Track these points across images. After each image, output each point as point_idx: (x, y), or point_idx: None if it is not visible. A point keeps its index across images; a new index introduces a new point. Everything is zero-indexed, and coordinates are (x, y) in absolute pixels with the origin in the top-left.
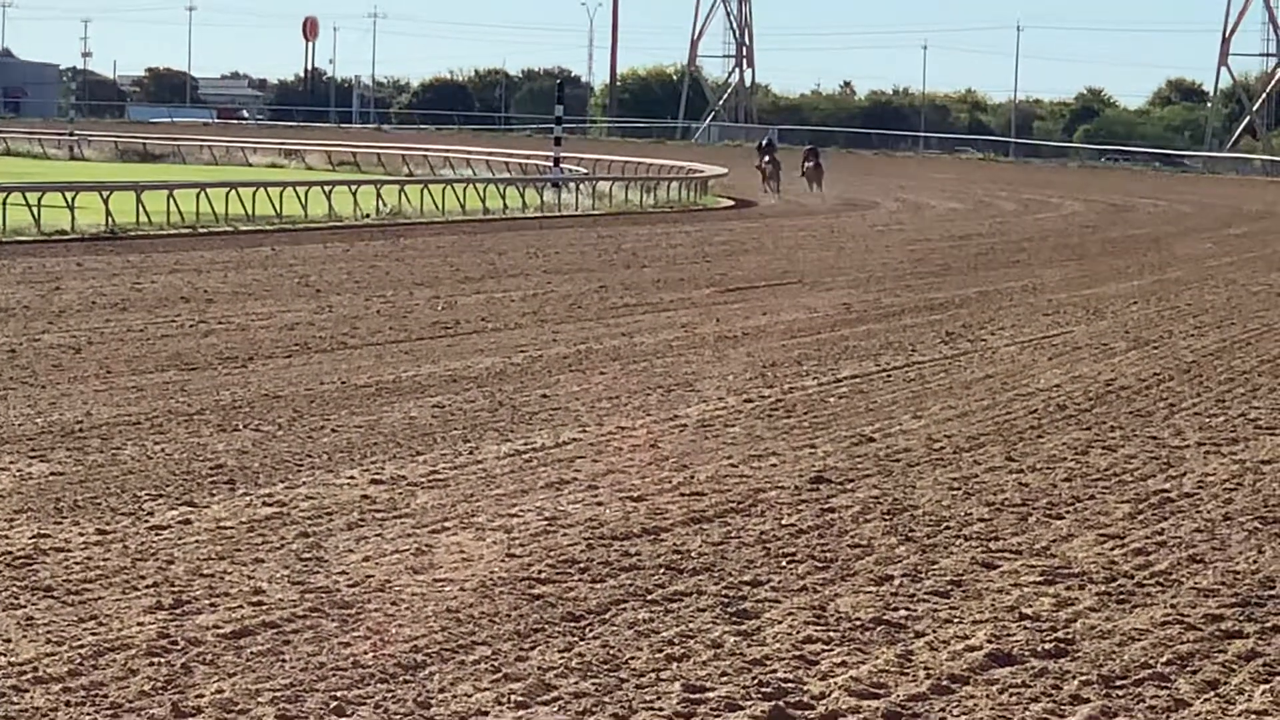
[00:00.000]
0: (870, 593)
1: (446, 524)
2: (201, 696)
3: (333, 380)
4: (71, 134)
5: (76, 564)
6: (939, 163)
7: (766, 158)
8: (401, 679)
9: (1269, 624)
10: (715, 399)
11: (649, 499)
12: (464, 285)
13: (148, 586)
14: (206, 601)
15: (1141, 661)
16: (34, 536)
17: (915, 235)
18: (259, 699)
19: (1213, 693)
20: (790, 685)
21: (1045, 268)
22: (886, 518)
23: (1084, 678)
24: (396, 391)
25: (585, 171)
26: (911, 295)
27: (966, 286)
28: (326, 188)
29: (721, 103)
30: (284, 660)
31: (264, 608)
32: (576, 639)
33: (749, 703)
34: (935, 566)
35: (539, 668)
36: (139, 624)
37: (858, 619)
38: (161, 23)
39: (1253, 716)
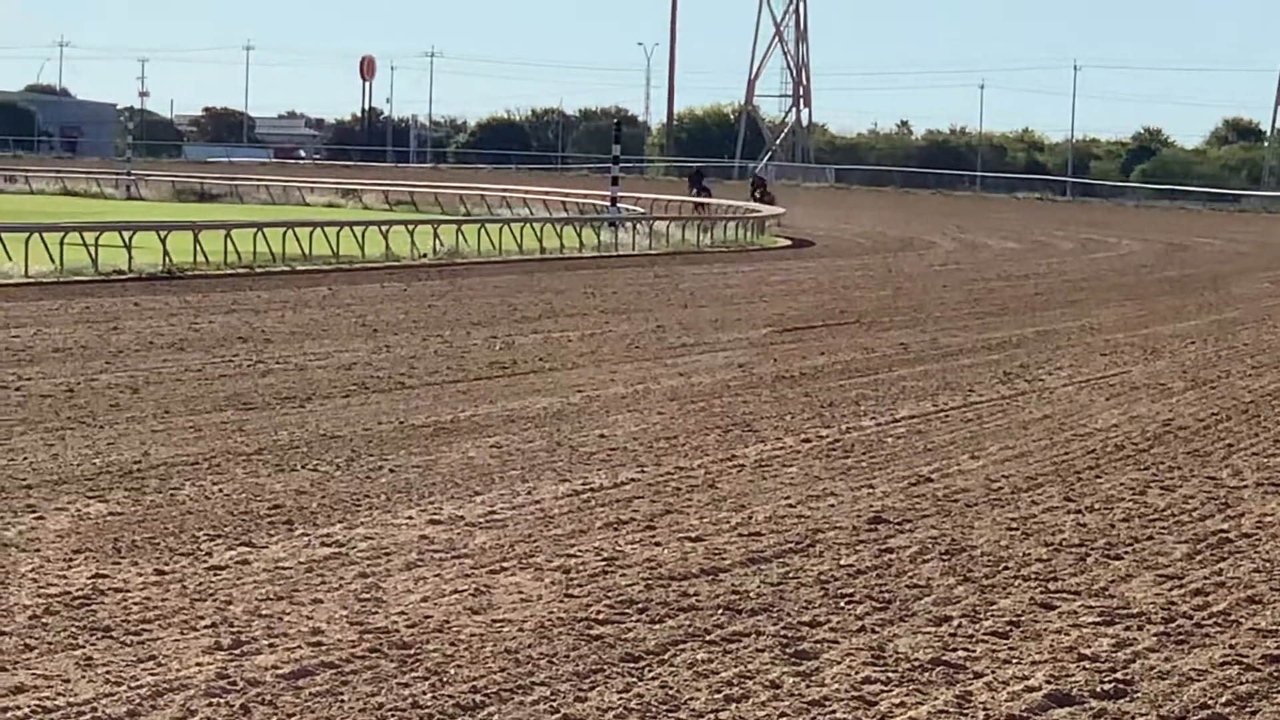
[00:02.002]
0: (929, 633)
1: (505, 564)
2: None
3: (390, 420)
4: (128, 174)
5: (135, 604)
6: (996, 202)
7: (695, 189)
8: None
9: None
10: (773, 439)
11: (707, 539)
12: (521, 325)
13: (206, 627)
14: (265, 642)
15: (1200, 702)
16: (92, 576)
17: (972, 275)
18: None
19: None
20: None
21: (1102, 307)
22: (945, 558)
23: (1143, 718)
24: (454, 431)
25: (642, 211)
26: (969, 335)
27: (1024, 326)
28: (384, 227)
29: (779, 142)
30: (343, 701)
31: (323, 648)
32: (635, 679)
33: None
34: (994, 607)
35: (598, 708)
36: (198, 664)
37: (916, 660)
38: (219, 62)
39: None
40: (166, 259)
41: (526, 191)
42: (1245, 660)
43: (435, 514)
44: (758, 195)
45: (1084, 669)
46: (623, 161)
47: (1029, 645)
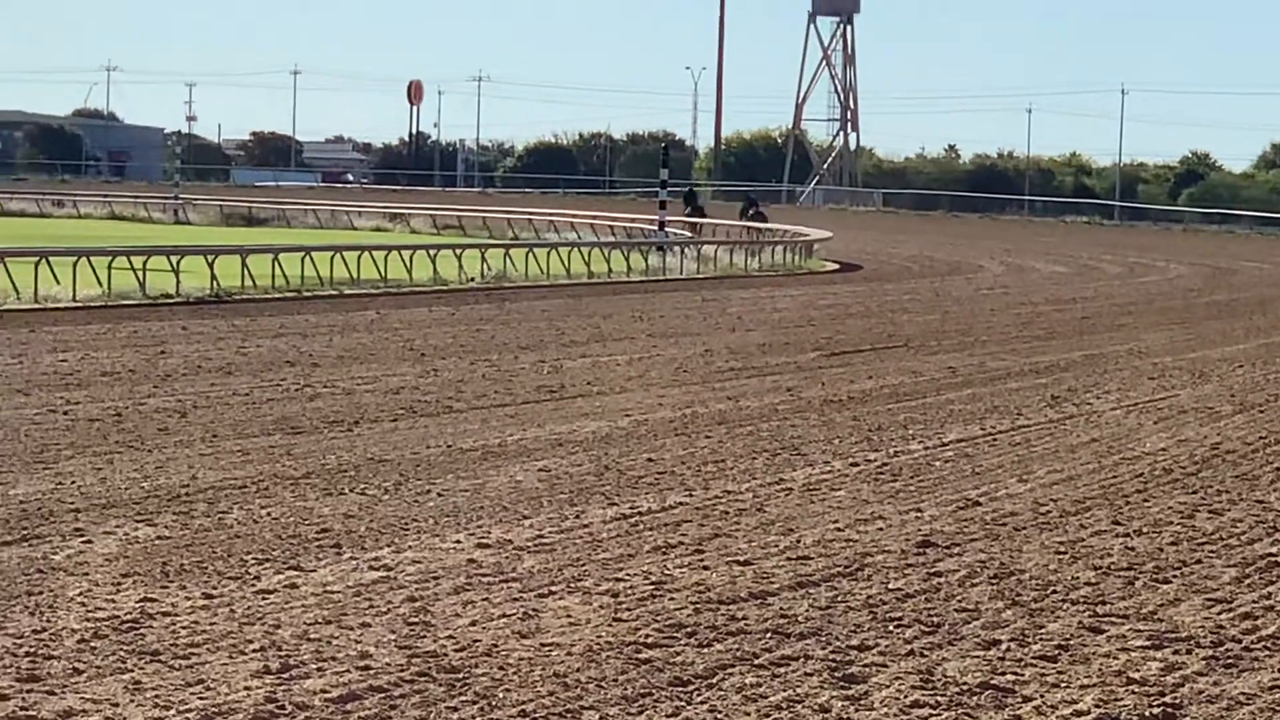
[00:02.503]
0: (978, 657)
1: (553, 588)
2: None
3: (438, 444)
4: (176, 198)
5: (183, 628)
6: (1044, 226)
7: (689, 209)
8: None
9: None
10: (821, 463)
11: (755, 563)
12: (569, 349)
13: (255, 650)
14: (313, 666)
15: None
16: (141, 600)
17: (1020, 298)
18: None
19: None
20: None
21: (1150, 331)
22: (993, 582)
23: None
24: (502, 455)
25: (690, 235)
26: (1016, 359)
27: (1071, 350)
28: (431, 251)
29: (826, 166)
30: None
31: (371, 672)
32: (684, 704)
33: None
34: (1042, 631)
35: None
36: (246, 688)
37: (965, 684)
38: (266, 87)
39: None
40: (214, 283)
41: (574, 216)
42: None
43: (483, 538)
44: (751, 214)
45: (1133, 693)
46: (670, 185)
47: (1078, 669)
